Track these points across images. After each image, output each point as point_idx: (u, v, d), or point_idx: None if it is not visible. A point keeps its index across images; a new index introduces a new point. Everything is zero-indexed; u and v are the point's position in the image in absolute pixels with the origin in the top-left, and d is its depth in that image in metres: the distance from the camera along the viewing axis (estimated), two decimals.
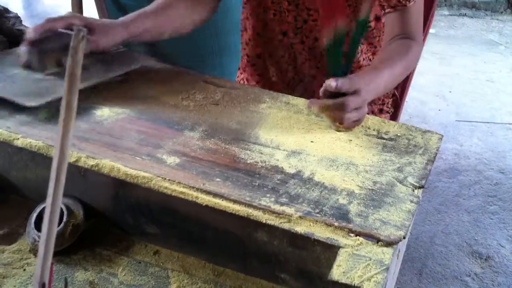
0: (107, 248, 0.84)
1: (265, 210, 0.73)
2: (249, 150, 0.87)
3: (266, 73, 1.42)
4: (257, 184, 0.78)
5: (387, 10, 1.17)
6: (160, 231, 0.82)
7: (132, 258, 0.82)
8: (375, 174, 0.84)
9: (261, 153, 0.86)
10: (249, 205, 0.74)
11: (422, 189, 0.82)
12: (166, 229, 0.81)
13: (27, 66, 1.01)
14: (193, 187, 0.76)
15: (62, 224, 0.81)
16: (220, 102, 1.02)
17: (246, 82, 1.48)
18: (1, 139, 0.84)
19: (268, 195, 0.76)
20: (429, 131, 0.98)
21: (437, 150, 0.92)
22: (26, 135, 0.85)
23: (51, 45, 1.00)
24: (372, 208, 0.75)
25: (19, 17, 1.19)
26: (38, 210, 0.83)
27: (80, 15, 1.07)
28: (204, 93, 1.05)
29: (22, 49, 1.00)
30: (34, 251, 0.82)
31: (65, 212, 0.81)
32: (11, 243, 0.84)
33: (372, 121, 1.00)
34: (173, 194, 0.76)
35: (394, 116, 1.53)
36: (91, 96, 1.00)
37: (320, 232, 0.71)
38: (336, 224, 0.72)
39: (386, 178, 0.83)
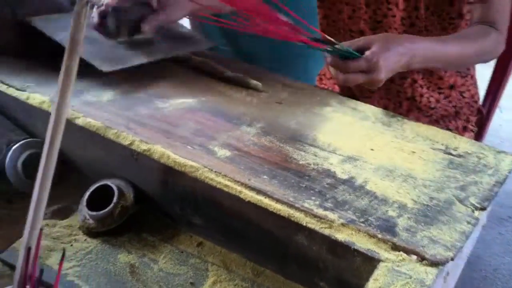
0: (152, 234, 0.84)
1: (307, 212, 0.71)
2: (304, 151, 0.84)
3: None
4: (304, 185, 0.76)
5: (472, 0, 1.12)
6: (205, 223, 0.81)
7: (175, 247, 0.82)
8: (434, 189, 0.79)
9: (316, 156, 0.83)
10: (291, 206, 0.72)
11: (483, 211, 0.76)
12: (210, 221, 0.81)
13: (100, 29, 1.05)
14: (238, 182, 0.75)
15: (111, 205, 0.82)
16: (285, 101, 1.00)
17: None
18: None
19: (313, 198, 0.73)
20: (503, 151, 0.91)
21: (509, 172, 0.86)
22: (87, 114, 0.87)
23: (128, 15, 1.05)
24: (423, 224, 0.71)
25: None
26: (92, 189, 0.85)
27: None
28: (271, 91, 1.04)
29: (96, 12, 1.04)
30: (83, 228, 0.84)
31: (116, 193, 0.83)
32: (63, 218, 0.86)
33: (442, 135, 0.95)
34: (218, 186, 0.75)
35: (478, 136, 1.44)
36: (157, 83, 1.01)
37: (362, 243, 0.67)
38: (379, 236, 0.68)
39: (446, 195, 0.78)
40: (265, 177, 0.77)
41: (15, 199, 0.90)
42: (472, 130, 1.37)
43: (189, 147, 0.82)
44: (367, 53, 0.91)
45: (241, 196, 0.74)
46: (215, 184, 0.76)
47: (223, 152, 0.82)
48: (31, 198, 0.89)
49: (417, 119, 1.31)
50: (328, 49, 0.90)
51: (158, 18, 1.06)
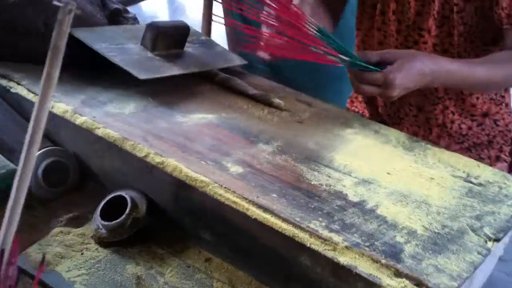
0: (162, 247, 0.84)
1: (312, 233, 0.70)
2: (318, 172, 0.83)
3: (373, 103, 1.37)
4: (313, 206, 0.75)
5: (505, 27, 1.07)
6: (213, 239, 0.81)
7: (183, 261, 0.82)
8: (448, 217, 0.77)
9: (329, 177, 0.83)
10: (297, 226, 0.71)
11: (497, 242, 0.73)
12: (218, 237, 0.81)
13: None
14: (246, 199, 0.75)
15: (123, 216, 0.83)
16: (306, 121, 1.00)
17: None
18: (85, 127, 0.89)
19: (320, 219, 0.73)
20: None
21: None
22: (107, 125, 0.88)
23: (164, 30, 1.10)
24: (430, 252, 0.69)
25: (137, 18, 1.26)
26: (106, 199, 0.87)
27: None
28: (293, 110, 1.04)
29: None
30: (95, 237, 0.85)
31: (129, 204, 0.84)
32: (78, 227, 0.88)
33: (465, 162, 0.92)
34: (226, 202, 0.76)
35: None
36: (181, 98, 1.02)
37: (364, 267, 0.66)
38: (383, 261, 0.66)
39: (459, 224, 0.75)
40: (274, 195, 0.77)
41: (35, 206, 0.92)
42: (505, 160, 1.33)
43: (202, 162, 0.82)
44: (387, 68, 0.93)
45: (248, 213, 0.74)
46: (223, 200, 0.76)
47: (236, 169, 0.82)
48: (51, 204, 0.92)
49: (448, 146, 1.29)
50: (347, 59, 0.93)
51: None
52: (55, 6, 1.05)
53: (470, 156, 1.25)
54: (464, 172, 0.89)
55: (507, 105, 1.29)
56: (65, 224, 0.88)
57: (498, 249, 0.79)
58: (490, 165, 1.27)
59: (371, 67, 0.93)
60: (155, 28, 1.08)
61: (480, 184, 0.86)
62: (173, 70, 1.05)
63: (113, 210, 0.85)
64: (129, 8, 1.30)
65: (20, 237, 0.84)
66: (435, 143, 1.28)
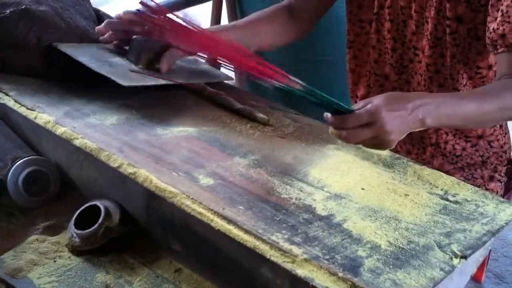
0: (134, 256, 0.85)
1: (272, 245, 0.70)
2: (289, 186, 0.83)
3: None
4: (278, 219, 0.75)
5: (500, 50, 1.01)
6: (183, 250, 0.82)
7: (153, 271, 0.82)
8: (416, 233, 0.76)
9: (301, 191, 0.83)
10: (258, 238, 0.71)
11: (464, 259, 0.72)
12: (187, 248, 0.81)
13: (116, 47, 1.14)
14: (211, 210, 0.75)
15: (96, 225, 0.84)
16: (288, 136, 1.00)
17: None
18: (64, 137, 0.91)
19: (283, 231, 0.73)
20: (506, 201, 0.87)
21: (506, 223, 0.81)
22: (85, 136, 0.90)
23: (149, 45, 1.10)
24: (391, 267, 0.68)
25: None
26: (82, 208, 0.88)
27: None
28: (277, 125, 1.04)
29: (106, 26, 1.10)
30: (69, 246, 0.86)
31: (102, 214, 0.85)
32: (53, 235, 0.89)
33: (445, 180, 0.91)
34: (192, 213, 0.76)
35: (508, 187, 1.38)
36: (164, 111, 1.03)
37: (321, 280, 0.66)
38: (340, 274, 0.66)
39: (426, 240, 0.75)
40: (240, 207, 0.77)
41: (15, 213, 0.94)
42: (499, 180, 1.31)
43: (174, 173, 0.83)
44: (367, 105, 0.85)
45: (212, 224, 0.74)
46: (189, 211, 0.76)
47: (206, 181, 0.82)
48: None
49: (441, 166, 1.28)
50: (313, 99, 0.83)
51: (176, 54, 1.09)
52: (47, 20, 1.08)
53: (462, 176, 1.25)
54: (442, 189, 0.88)
55: (502, 126, 1.28)
56: (41, 232, 0.89)
57: (468, 266, 0.78)
58: (483, 184, 1.26)
59: (345, 106, 0.83)
60: (139, 42, 1.09)
61: (456, 202, 0.85)
62: (158, 80, 1.05)
63: (88, 219, 0.86)
64: None
65: None
66: (428, 163, 1.28)
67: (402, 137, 0.87)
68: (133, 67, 1.08)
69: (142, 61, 1.10)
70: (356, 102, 1.39)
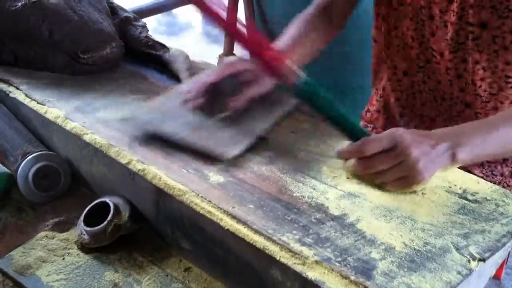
0: (143, 254, 0.84)
1: (283, 246, 0.68)
2: (302, 183, 0.81)
3: (390, 115, 1.34)
4: (289, 218, 0.73)
5: None
6: (192, 248, 0.80)
7: (162, 269, 0.81)
8: (433, 235, 0.73)
9: (314, 189, 0.80)
10: (268, 238, 0.69)
11: (482, 262, 0.69)
12: (197, 247, 0.79)
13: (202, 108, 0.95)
14: (221, 209, 0.74)
15: (105, 222, 0.83)
16: (303, 131, 0.97)
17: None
18: (74, 132, 0.89)
19: (294, 232, 0.70)
20: None
21: None
22: (95, 131, 0.88)
23: (220, 90, 0.97)
24: (405, 270, 0.66)
25: (146, 26, 1.26)
26: (91, 204, 0.87)
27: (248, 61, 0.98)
28: (293, 121, 1.01)
29: (187, 87, 0.97)
30: (78, 243, 0.85)
31: (111, 211, 0.83)
32: (62, 231, 0.88)
33: (464, 178, 0.88)
34: (201, 211, 0.74)
35: None
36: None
37: (333, 283, 0.64)
38: (352, 277, 0.64)
39: (443, 241, 0.72)
40: (251, 206, 0.75)
41: (25, 209, 0.93)
42: None
43: (184, 170, 0.81)
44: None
45: (221, 223, 0.72)
46: (199, 209, 0.75)
47: (217, 178, 0.80)
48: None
49: None
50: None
51: (253, 91, 0.97)
52: (59, 12, 1.06)
53: (481, 172, 1.21)
54: (461, 188, 0.85)
55: None
56: (50, 228, 0.88)
57: (486, 269, 0.75)
58: (503, 181, 1.23)
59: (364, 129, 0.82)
60: (211, 97, 0.95)
61: (475, 201, 0.82)
62: (254, 132, 0.93)
63: (99, 216, 0.84)
64: (160, 17, 1.29)
65: (7, 239, 0.86)
66: None
67: (432, 174, 0.80)
68: (210, 122, 0.94)
69: (215, 111, 0.96)
70: (376, 93, 1.37)
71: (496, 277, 1.81)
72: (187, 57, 1.17)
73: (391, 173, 0.79)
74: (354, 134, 0.85)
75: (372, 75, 1.37)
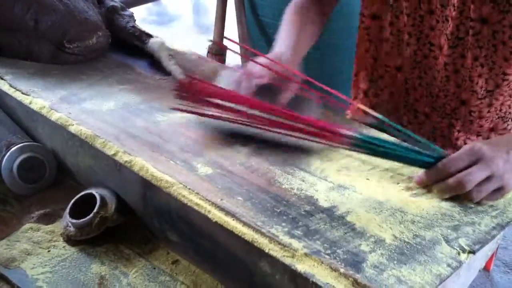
0: (130, 247, 0.83)
1: (272, 239, 0.67)
2: (291, 175, 0.80)
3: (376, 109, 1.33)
4: (278, 210, 0.72)
5: None
6: (180, 240, 0.79)
7: (150, 262, 0.80)
8: (422, 227, 0.73)
9: (303, 181, 0.79)
10: (257, 231, 0.68)
11: (472, 255, 0.69)
12: (184, 239, 0.78)
13: None
14: (209, 201, 0.72)
15: (91, 214, 0.81)
16: None
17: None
18: (60, 123, 0.88)
19: (283, 224, 0.70)
20: None
21: None
22: (81, 122, 0.87)
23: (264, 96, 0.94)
24: (395, 262, 0.65)
25: (133, 16, 1.25)
26: (77, 196, 0.85)
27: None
28: None
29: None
30: (63, 235, 0.84)
31: (98, 203, 0.82)
32: (48, 224, 0.87)
33: None
34: (189, 204, 0.73)
35: None
36: (165, 97, 1.00)
37: (322, 276, 0.63)
38: (342, 270, 0.63)
39: (433, 233, 0.71)
40: (239, 198, 0.74)
41: (10, 201, 0.91)
42: None
43: (171, 162, 0.80)
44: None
45: (210, 216, 0.71)
46: (186, 201, 0.74)
47: (205, 170, 0.79)
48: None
49: None
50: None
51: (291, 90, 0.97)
52: (44, 2, 1.04)
53: None
54: None
55: None
56: (36, 220, 0.87)
57: (476, 261, 0.75)
58: None
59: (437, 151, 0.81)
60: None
61: None
62: None
63: (85, 208, 0.83)
64: (150, 6, 1.27)
65: None
66: None
67: None
68: None
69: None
70: (357, 92, 1.35)
71: (486, 269, 1.82)
72: (162, 44, 1.15)
73: (486, 187, 0.78)
74: (427, 164, 0.82)
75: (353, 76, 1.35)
